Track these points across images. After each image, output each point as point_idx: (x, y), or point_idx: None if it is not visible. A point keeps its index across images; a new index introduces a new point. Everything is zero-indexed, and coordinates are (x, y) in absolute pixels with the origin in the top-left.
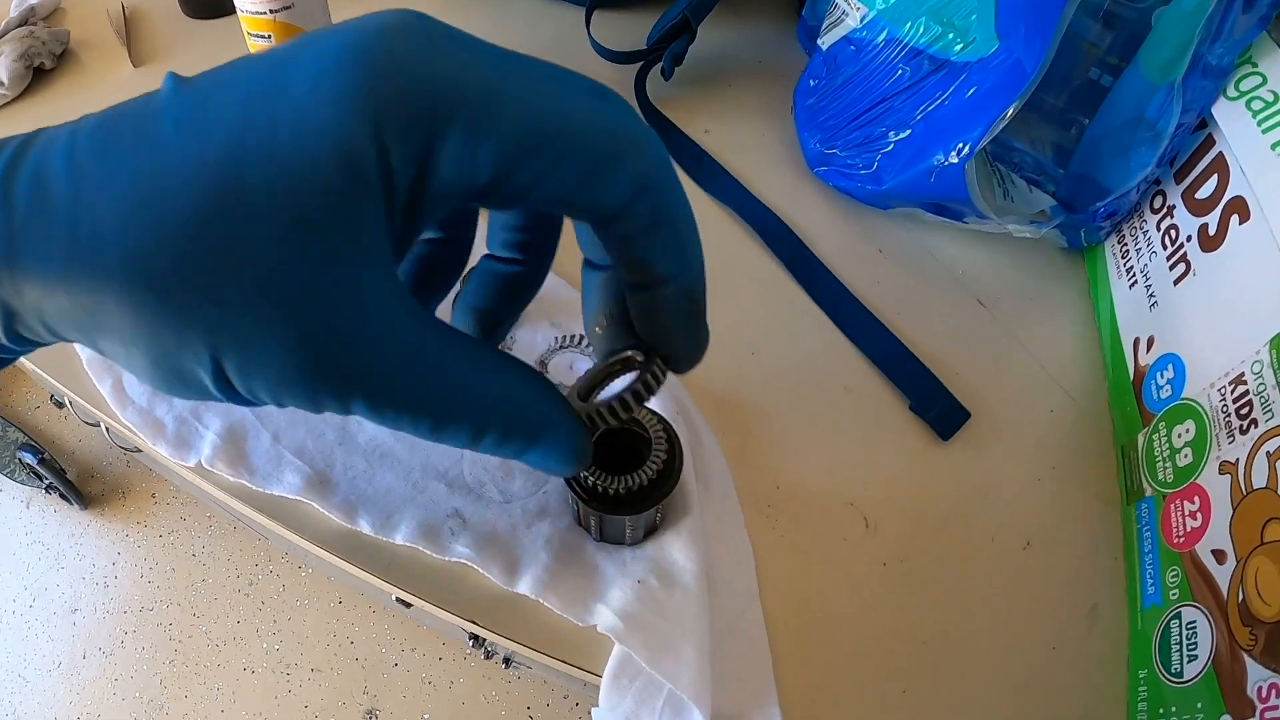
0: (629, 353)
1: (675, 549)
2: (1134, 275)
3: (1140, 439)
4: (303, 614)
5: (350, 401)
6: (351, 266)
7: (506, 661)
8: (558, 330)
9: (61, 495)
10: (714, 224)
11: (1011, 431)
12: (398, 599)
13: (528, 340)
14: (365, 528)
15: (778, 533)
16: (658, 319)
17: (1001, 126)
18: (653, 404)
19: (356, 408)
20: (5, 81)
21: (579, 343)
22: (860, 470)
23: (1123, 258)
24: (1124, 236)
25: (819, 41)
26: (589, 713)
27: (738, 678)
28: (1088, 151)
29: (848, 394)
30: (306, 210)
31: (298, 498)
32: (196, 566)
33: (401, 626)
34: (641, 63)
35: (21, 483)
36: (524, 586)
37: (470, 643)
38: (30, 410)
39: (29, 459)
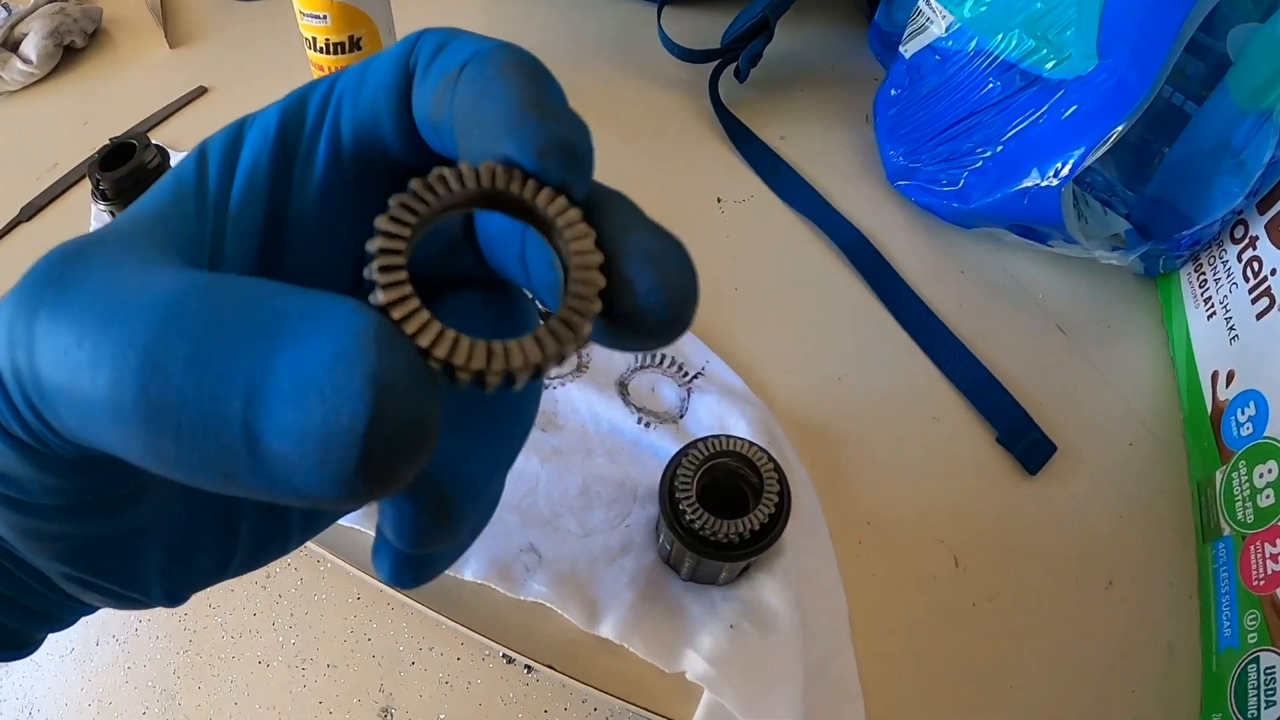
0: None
1: (769, 590)
2: (1212, 306)
3: (1218, 476)
4: (320, 609)
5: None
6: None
7: (528, 667)
8: None
9: None
10: (794, 236)
11: (1093, 465)
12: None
13: (604, 358)
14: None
15: (869, 571)
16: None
17: (1104, 150)
18: (743, 429)
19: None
20: (34, 59)
21: (661, 362)
22: (949, 505)
23: (1200, 287)
24: (1201, 265)
25: (901, 49)
26: (606, 717)
27: None
28: (1167, 176)
29: (936, 424)
30: None
31: (355, 527)
32: None
33: (420, 625)
34: (716, 63)
35: None
36: (606, 630)
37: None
38: None
39: None
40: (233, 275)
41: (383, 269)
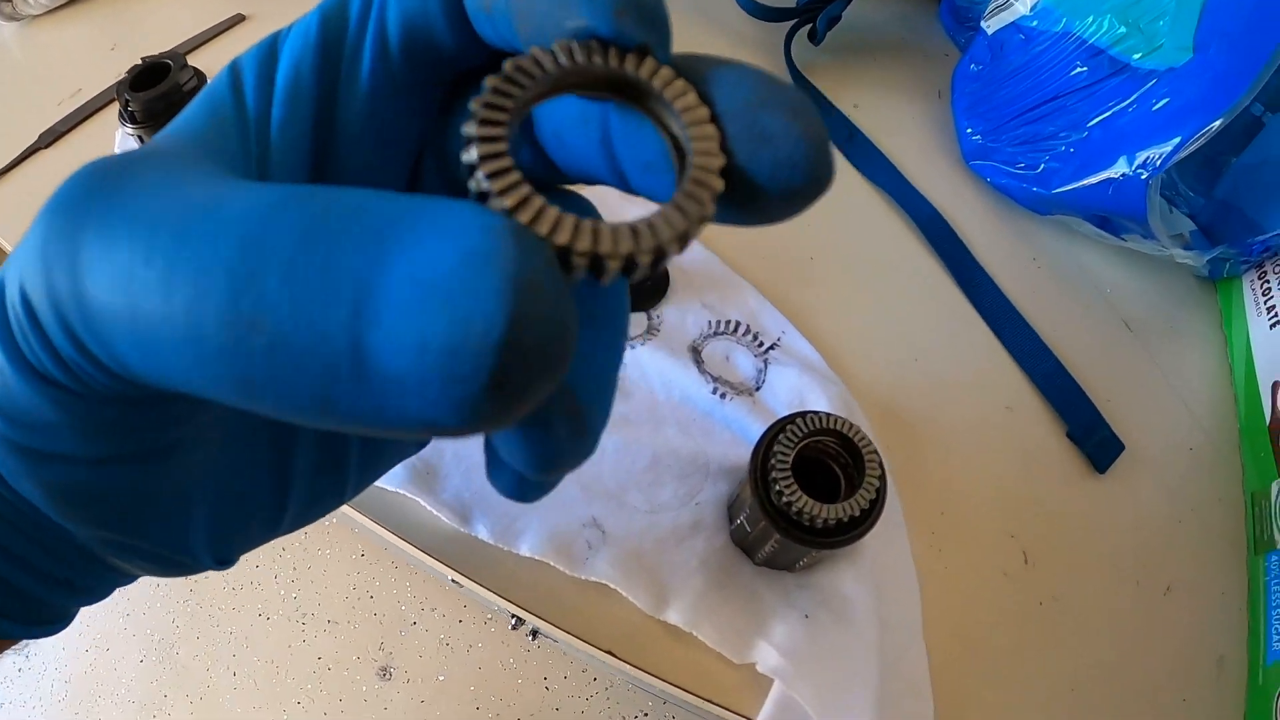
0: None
1: (846, 580)
2: (1276, 315)
3: (1274, 489)
4: (323, 564)
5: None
6: None
7: (534, 634)
8: (710, 313)
9: None
10: (869, 207)
11: (1157, 468)
12: (453, 580)
13: (676, 322)
14: (483, 534)
15: (942, 563)
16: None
17: (1196, 146)
18: (823, 407)
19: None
20: None
21: (736, 330)
22: (1020, 498)
23: (1264, 294)
24: (1265, 273)
25: (983, 25)
26: (605, 687)
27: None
28: (1238, 180)
29: (1009, 414)
30: None
31: (400, 491)
32: None
33: (423, 585)
34: (792, 23)
35: None
36: (674, 615)
37: (514, 619)
38: None
39: None
40: (323, 186)
41: (492, 174)
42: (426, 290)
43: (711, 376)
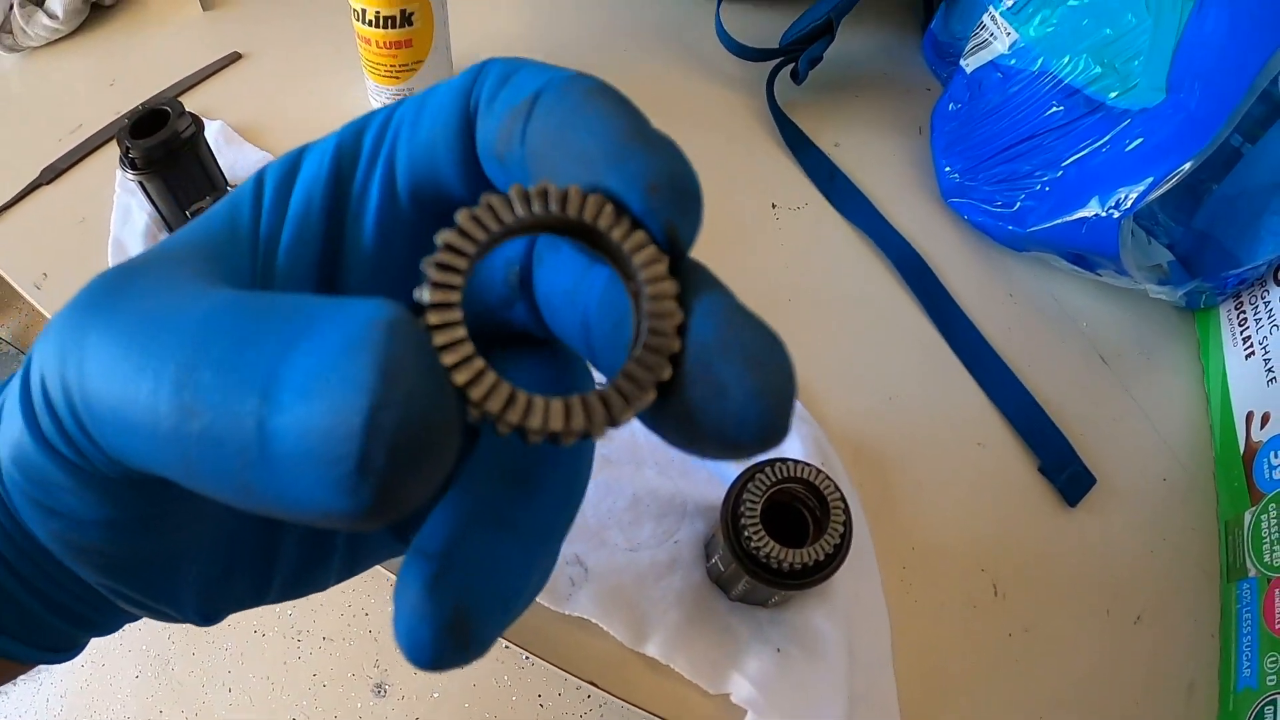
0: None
1: (817, 615)
2: (1251, 346)
3: (1247, 517)
4: None
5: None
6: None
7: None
8: None
9: None
10: (847, 248)
11: (1129, 499)
12: None
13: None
14: None
15: (912, 597)
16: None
17: (1167, 187)
18: (797, 448)
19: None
20: (60, 14)
21: None
22: (991, 533)
23: (1239, 325)
24: (1242, 304)
25: (962, 63)
26: (599, 704)
27: None
28: (1216, 211)
29: (981, 450)
30: None
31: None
32: None
33: None
34: (775, 62)
35: None
36: (653, 649)
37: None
38: None
39: None
40: (276, 292)
41: (438, 265)
42: (313, 378)
43: None
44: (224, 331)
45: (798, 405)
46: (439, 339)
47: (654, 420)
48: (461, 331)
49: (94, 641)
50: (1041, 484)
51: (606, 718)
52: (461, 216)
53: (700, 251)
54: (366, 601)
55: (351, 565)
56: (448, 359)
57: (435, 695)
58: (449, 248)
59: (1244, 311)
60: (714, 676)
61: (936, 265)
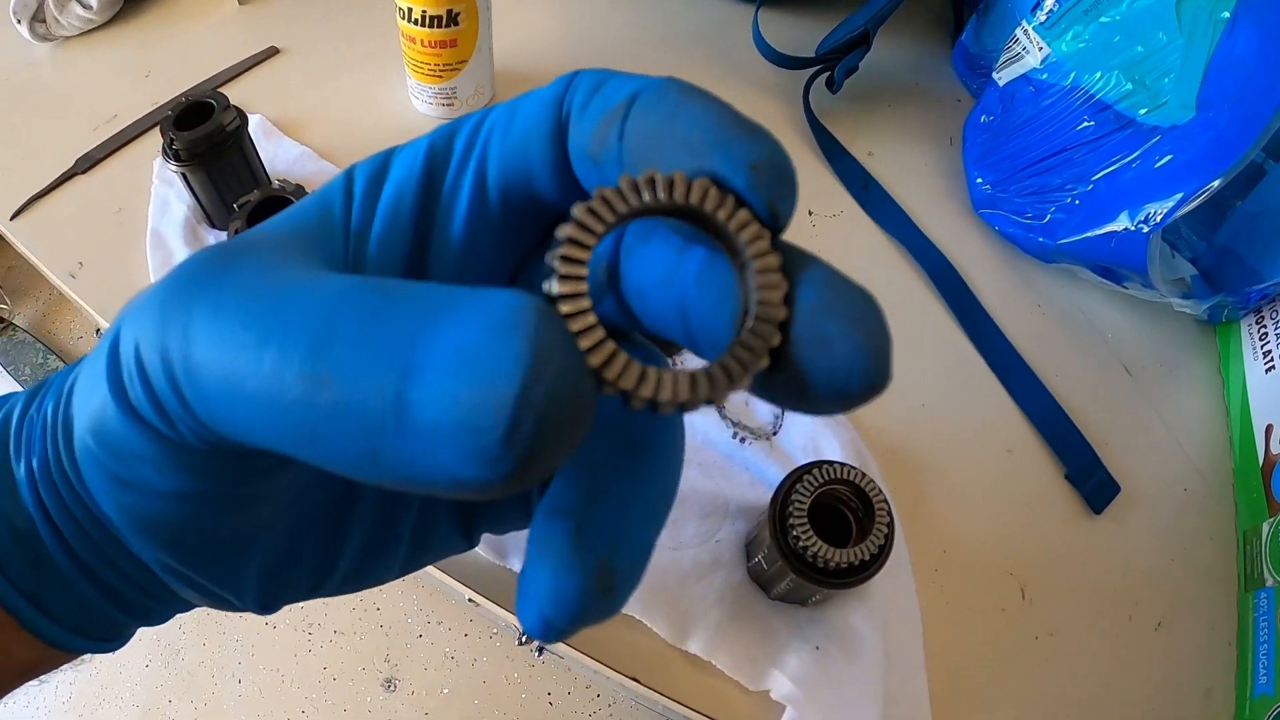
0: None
1: (856, 615)
2: (1271, 360)
3: (1265, 528)
4: None
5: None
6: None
7: (540, 650)
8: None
9: None
10: (882, 256)
11: (1152, 508)
12: (471, 599)
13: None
14: (517, 566)
15: (944, 599)
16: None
17: (1197, 203)
18: (835, 451)
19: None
20: (94, 5)
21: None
22: (1019, 537)
23: (1260, 339)
24: (1263, 317)
25: (995, 76)
26: (609, 704)
27: None
28: (1238, 227)
29: (1010, 457)
30: None
31: (452, 583)
32: None
33: (430, 599)
34: (812, 71)
35: None
36: (695, 646)
37: (522, 635)
38: (73, 340)
39: None
40: (400, 279)
41: (563, 277)
42: (459, 356)
43: (731, 421)
44: (357, 308)
45: None
46: (574, 325)
47: (765, 384)
48: (592, 318)
49: None
50: (1068, 491)
51: (616, 716)
52: (578, 210)
53: None
54: (378, 596)
55: (415, 559)
56: (584, 342)
57: (445, 691)
58: (571, 241)
59: (1265, 325)
60: (754, 673)
61: (967, 274)
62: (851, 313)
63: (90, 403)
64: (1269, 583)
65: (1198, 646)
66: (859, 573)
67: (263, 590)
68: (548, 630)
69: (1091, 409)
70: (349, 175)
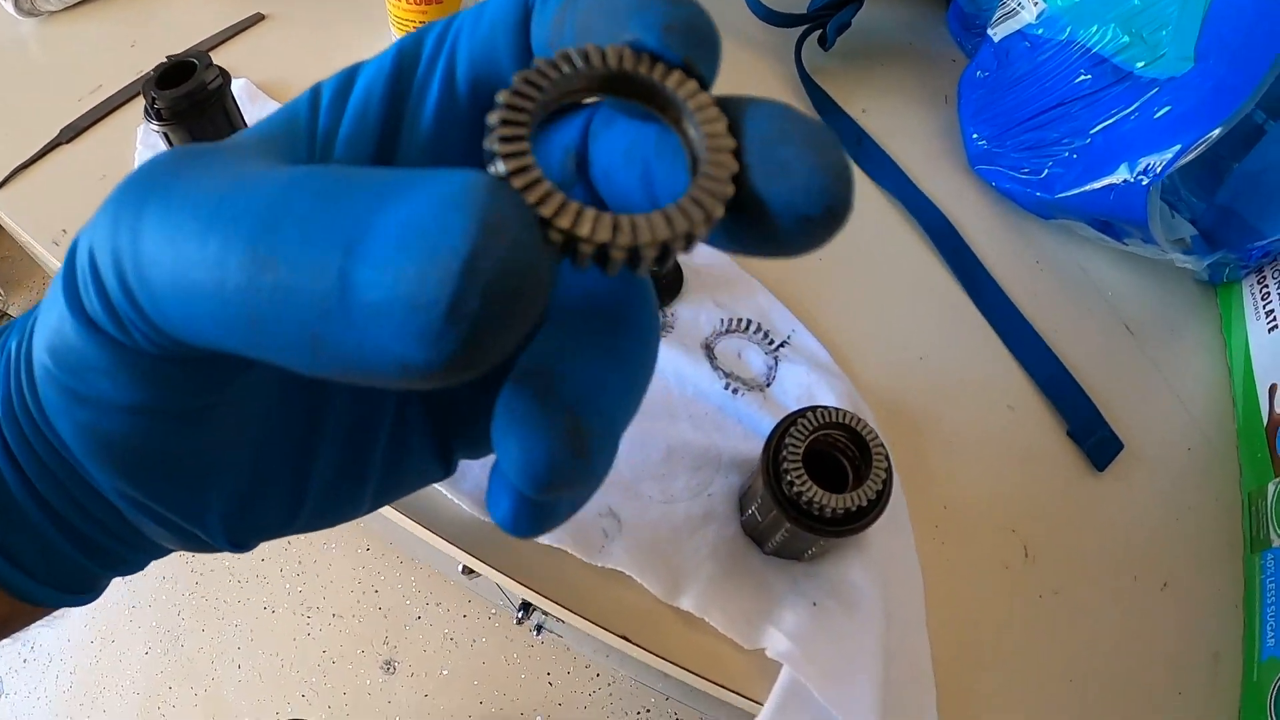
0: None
1: (854, 570)
2: (1274, 320)
3: (1270, 488)
4: (329, 558)
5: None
6: None
7: (539, 629)
8: (722, 311)
9: None
10: (877, 212)
11: (1155, 467)
12: (463, 569)
13: (689, 319)
14: None
15: (945, 555)
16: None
17: (1196, 153)
18: (831, 403)
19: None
20: None
21: (748, 327)
22: (1021, 495)
23: (1263, 299)
24: (1265, 277)
25: (990, 32)
26: (608, 683)
27: (902, 709)
28: (1239, 186)
29: (1011, 413)
30: None
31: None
32: None
33: (428, 580)
34: (803, 28)
35: None
36: (687, 602)
37: (519, 611)
38: None
39: None
40: (355, 165)
41: (503, 139)
42: (406, 230)
43: (724, 372)
44: (307, 191)
45: (828, 359)
46: (528, 195)
47: (725, 231)
48: (546, 185)
49: (103, 617)
50: (1070, 448)
51: (616, 695)
52: (515, 78)
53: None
54: (376, 579)
55: (388, 487)
56: (531, 196)
57: (445, 672)
58: (509, 107)
59: (1267, 285)
60: (749, 631)
61: (964, 231)
62: (805, 137)
63: (48, 321)
64: (1275, 543)
65: (1204, 609)
66: (856, 520)
67: (231, 524)
68: (518, 510)
69: (1092, 367)
70: (315, 89)
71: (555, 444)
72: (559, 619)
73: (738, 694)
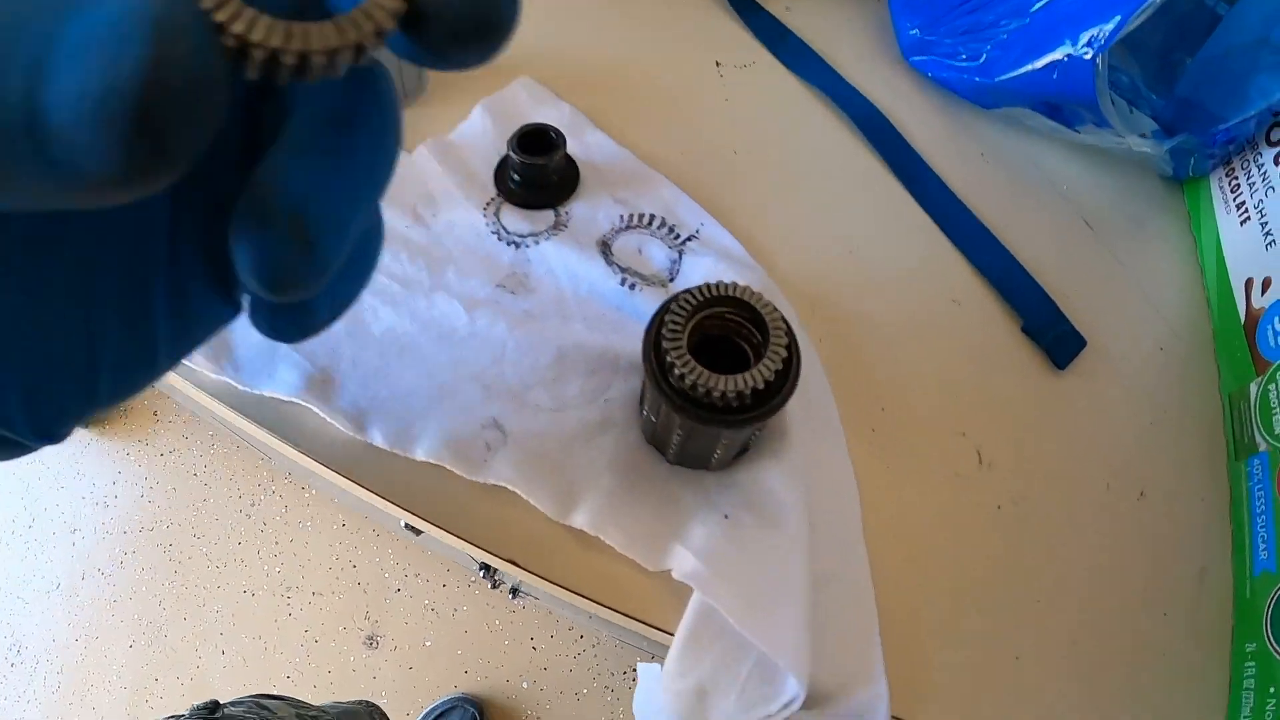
0: None
1: (773, 477)
2: (1246, 212)
3: (1253, 389)
4: (305, 536)
5: None
6: None
7: (514, 591)
8: (622, 208)
9: None
10: (801, 104)
11: (1124, 367)
12: (406, 525)
13: (585, 217)
14: (378, 439)
15: (884, 463)
16: None
17: (1141, 20)
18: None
19: None
20: None
21: (650, 223)
22: (971, 395)
23: (1232, 192)
24: (1234, 170)
25: None
26: (592, 645)
27: (839, 639)
28: (1199, 75)
29: (956, 308)
30: None
31: (295, 400)
32: (198, 486)
33: (405, 552)
34: None
35: None
36: (580, 519)
37: (480, 571)
38: None
39: None
40: None
41: None
42: (89, 44)
43: (620, 267)
44: None
45: (742, 251)
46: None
47: (403, 44)
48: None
49: (86, 615)
50: (1026, 345)
51: (600, 656)
52: None
53: (638, 107)
54: (353, 554)
55: (178, 335)
56: (207, 3)
57: (428, 644)
58: None
59: (1236, 177)
60: (652, 550)
61: (901, 125)
62: None
63: None
64: (1262, 448)
65: (1188, 520)
66: (757, 407)
67: (32, 414)
68: (275, 318)
69: (1048, 261)
70: None
71: (277, 242)
72: (439, 540)
73: (647, 624)
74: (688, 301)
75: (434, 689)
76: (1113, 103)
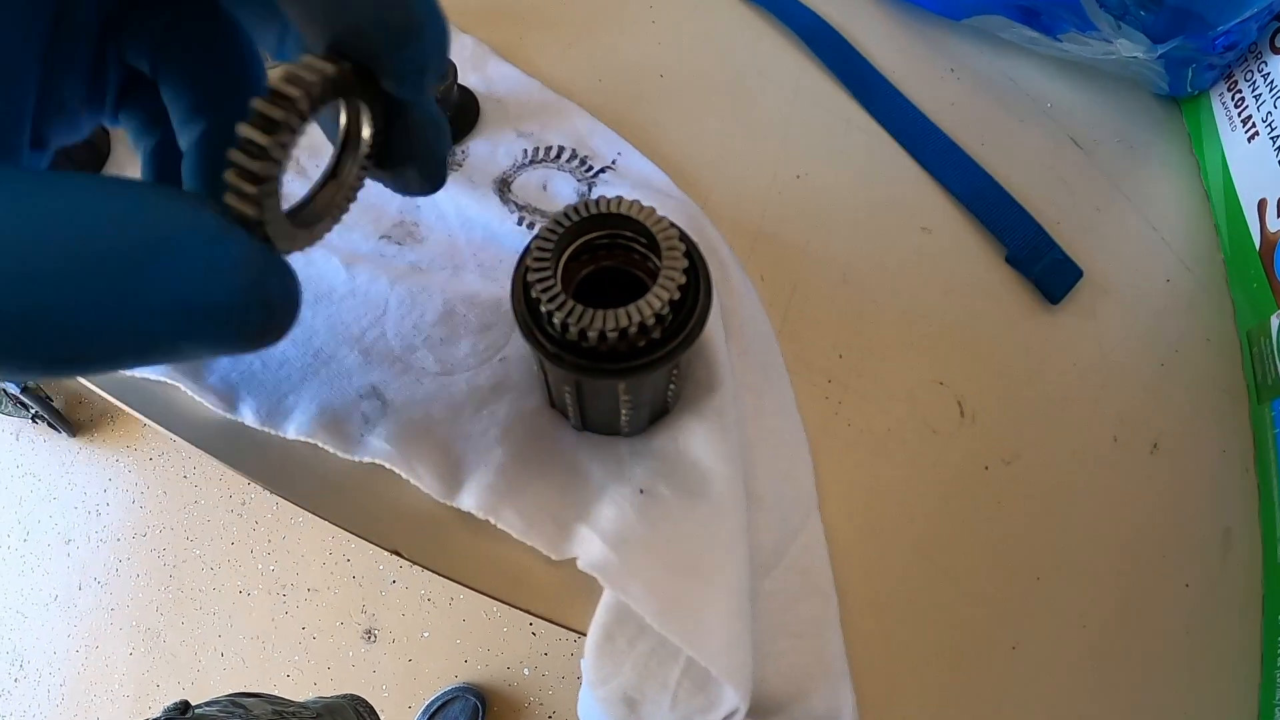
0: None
1: (696, 441)
2: (1253, 126)
3: (1274, 323)
4: (297, 533)
5: None
6: None
7: None
8: (527, 142)
9: (49, 424)
10: (739, 24)
11: (1127, 301)
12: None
13: (484, 155)
14: (249, 418)
15: (842, 419)
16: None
17: None
18: None
19: None
20: None
21: (559, 156)
22: (948, 335)
23: (1237, 107)
24: (1236, 83)
25: None
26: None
27: (791, 636)
28: None
29: (927, 236)
30: None
31: (164, 380)
32: (188, 488)
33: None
34: None
35: (8, 414)
36: (468, 499)
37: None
38: None
39: (13, 388)
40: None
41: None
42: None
43: (517, 205)
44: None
45: (664, 180)
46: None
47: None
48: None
49: (85, 625)
50: (1012, 278)
51: None
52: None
53: (549, 29)
54: (347, 548)
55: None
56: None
57: (425, 635)
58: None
59: (1240, 91)
60: (555, 535)
61: (858, 42)
62: None
63: None
64: None
65: (1207, 475)
66: (654, 350)
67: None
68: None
69: (1035, 184)
70: None
71: (443, 160)
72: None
73: (553, 622)
74: (558, 224)
75: (435, 680)
76: (1099, 16)
